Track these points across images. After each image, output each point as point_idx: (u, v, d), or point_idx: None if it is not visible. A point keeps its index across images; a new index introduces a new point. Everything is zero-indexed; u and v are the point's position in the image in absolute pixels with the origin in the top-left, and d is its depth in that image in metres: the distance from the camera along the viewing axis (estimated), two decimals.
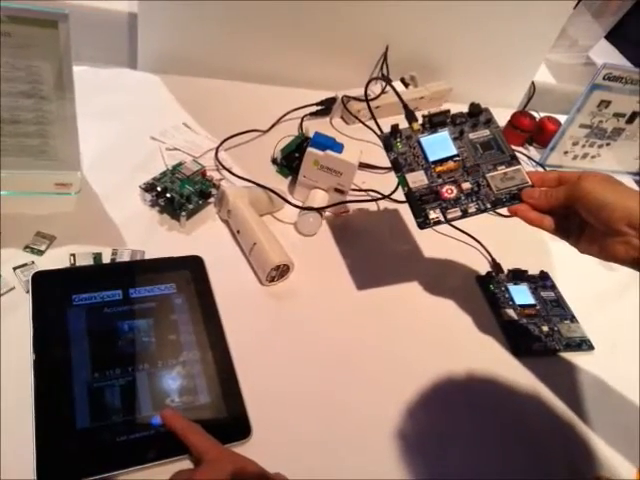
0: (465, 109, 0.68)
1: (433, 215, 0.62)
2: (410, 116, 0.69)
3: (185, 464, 0.50)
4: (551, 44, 1.07)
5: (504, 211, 0.76)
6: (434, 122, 0.67)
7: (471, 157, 0.65)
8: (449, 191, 0.63)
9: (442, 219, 0.62)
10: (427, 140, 0.66)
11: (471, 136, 0.66)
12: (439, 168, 0.64)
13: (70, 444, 0.48)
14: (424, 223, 0.62)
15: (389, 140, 0.67)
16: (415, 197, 0.63)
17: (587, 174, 0.57)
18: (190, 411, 0.53)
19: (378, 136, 0.68)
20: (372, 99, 0.94)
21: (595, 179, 0.56)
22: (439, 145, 0.66)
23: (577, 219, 0.58)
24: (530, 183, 0.62)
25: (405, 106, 0.71)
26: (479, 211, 0.62)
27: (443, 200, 0.63)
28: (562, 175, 0.60)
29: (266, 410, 0.55)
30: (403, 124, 0.68)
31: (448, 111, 0.67)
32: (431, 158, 0.65)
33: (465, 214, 0.62)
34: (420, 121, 0.68)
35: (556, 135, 0.98)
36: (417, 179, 0.64)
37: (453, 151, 0.65)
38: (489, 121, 0.67)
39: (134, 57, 0.92)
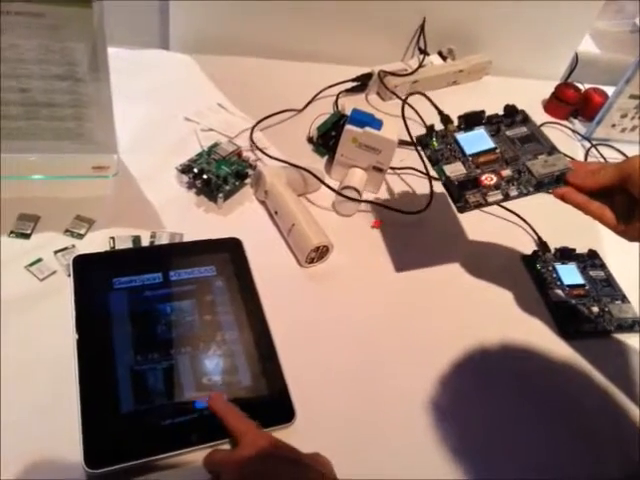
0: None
1: (473, 199, 0.60)
2: (445, 119, 0.68)
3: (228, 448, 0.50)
4: (598, 11, 1.01)
5: None
6: (470, 121, 0.66)
7: (509, 150, 0.63)
8: (488, 179, 0.61)
9: (482, 202, 0.60)
10: (463, 137, 0.65)
11: (508, 133, 0.65)
12: (477, 160, 0.63)
13: (116, 428, 0.48)
14: (464, 207, 0.60)
15: (424, 139, 0.66)
16: (453, 183, 0.62)
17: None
18: (233, 393, 0.52)
19: (413, 139, 0.66)
20: (409, 73, 0.91)
21: None
22: (476, 140, 0.65)
23: (625, 201, 0.55)
24: (573, 168, 0.60)
25: (440, 111, 0.69)
26: (521, 194, 0.60)
27: (483, 187, 0.61)
28: (604, 165, 0.58)
29: (308, 392, 0.54)
30: (438, 123, 0.67)
31: (483, 111, 0.66)
32: (468, 152, 0.64)
33: (507, 197, 0.60)
34: (455, 122, 0.67)
35: (603, 107, 0.94)
36: (455, 169, 0.63)
37: (490, 144, 0.64)
38: (526, 119, 0.66)
39: (166, 38, 0.91)
